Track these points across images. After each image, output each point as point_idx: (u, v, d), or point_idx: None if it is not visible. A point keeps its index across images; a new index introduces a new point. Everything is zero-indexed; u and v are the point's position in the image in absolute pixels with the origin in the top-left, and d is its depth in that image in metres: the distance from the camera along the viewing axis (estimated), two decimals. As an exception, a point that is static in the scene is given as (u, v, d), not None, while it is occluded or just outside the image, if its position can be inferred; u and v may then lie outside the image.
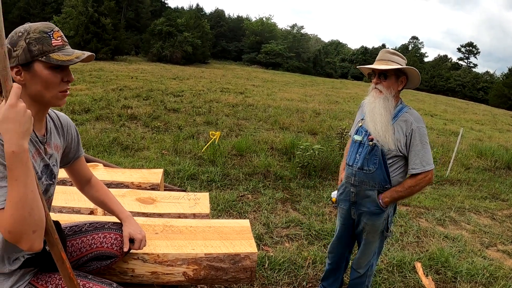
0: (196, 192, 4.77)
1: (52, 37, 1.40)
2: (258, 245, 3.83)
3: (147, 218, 2.26)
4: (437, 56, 72.81)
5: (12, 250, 1.47)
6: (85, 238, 1.78)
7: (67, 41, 1.48)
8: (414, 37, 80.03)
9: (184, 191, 3.32)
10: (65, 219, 2.14)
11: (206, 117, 10.72)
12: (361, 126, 2.55)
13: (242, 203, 4.86)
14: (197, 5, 67.00)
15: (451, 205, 5.79)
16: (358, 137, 2.53)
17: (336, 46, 77.39)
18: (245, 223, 2.27)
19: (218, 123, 10.17)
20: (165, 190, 3.23)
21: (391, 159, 2.37)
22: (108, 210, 1.91)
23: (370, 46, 70.31)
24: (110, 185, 2.87)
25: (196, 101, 13.59)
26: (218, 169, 6.00)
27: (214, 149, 6.78)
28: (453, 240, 4.53)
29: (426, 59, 69.79)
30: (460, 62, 72.27)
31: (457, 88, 61.31)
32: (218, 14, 64.06)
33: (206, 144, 7.12)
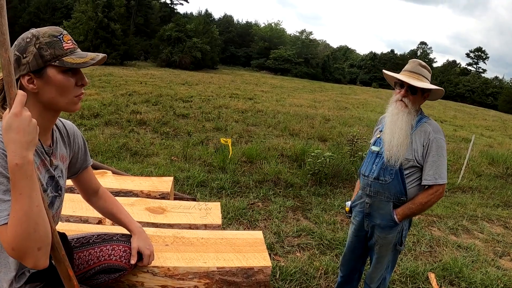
0: (206, 201, 4.73)
1: (62, 40, 1.35)
2: (269, 255, 3.75)
3: (157, 228, 2.19)
4: (445, 61, 72.60)
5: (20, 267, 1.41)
6: (92, 250, 1.72)
7: (76, 43, 1.42)
8: (422, 43, 79.89)
9: (194, 199, 3.26)
10: (73, 229, 2.08)
11: (215, 123, 10.67)
12: (379, 137, 2.48)
13: (252, 211, 4.78)
14: (206, 10, 67.23)
15: (463, 213, 5.67)
16: (375, 148, 2.46)
17: (345, 52, 77.18)
18: (258, 234, 2.20)
19: (228, 129, 10.11)
20: (175, 198, 3.17)
21: (408, 169, 2.29)
22: (117, 221, 1.85)
23: (378, 51, 70.18)
24: (119, 193, 2.81)
25: (205, 106, 13.56)
26: (228, 176, 5.93)
27: (224, 155, 6.72)
28: (466, 249, 4.43)
29: (434, 65, 69.44)
30: (469, 67, 71.69)
31: (466, 93, 60.78)
32: (227, 20, 64.30)
33: (220, 152, 7.07)
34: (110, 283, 1.73)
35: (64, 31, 1.40)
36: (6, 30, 1.08)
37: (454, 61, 72.36)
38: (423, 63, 2.34)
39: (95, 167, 3.36)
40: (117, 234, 1.81)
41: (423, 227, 4.90)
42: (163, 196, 2.81)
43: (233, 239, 2.11)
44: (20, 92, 1.11)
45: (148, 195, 2.80)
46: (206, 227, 2.32)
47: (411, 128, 2.29)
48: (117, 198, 2.65)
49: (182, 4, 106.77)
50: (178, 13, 58.52)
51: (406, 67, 2.36)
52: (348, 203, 2.72)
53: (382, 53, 69.28)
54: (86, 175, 1.80)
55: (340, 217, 4.84)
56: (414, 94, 2.28)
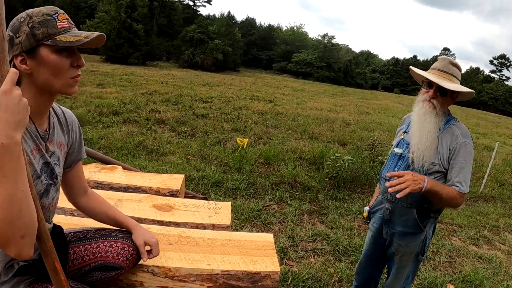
0: (219, 201, 4.61)
1: (57, 19, 1.28)
2: (281, 259, 3.62)
3: (162, 226, 2.09)
4: (469, 68, 70.84)
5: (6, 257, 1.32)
6: (89, 245, 1.62)
7: (73, 23, 1.35)
8: (445, 49, 78.32)
9: (207, 199, 3.15)
10: (75, 223, 2.00)
11: (234, 124, 10.57)
12: (402, 138, 2.31)
13: (267, 213, 4.65)
14: (229, 13, 67.67)
15: (485, 223, 5.42)
16: (398, 150, 2.29)
17: (367, 57, 76.43)
18: (269, 237, 2.07)
19: (246, 130, 9.99)
20: (186, 197, 3.06)
21: (432, 174, 2.10)
22: (111, 220, 1.74)
23: (401, 57, 69.14)
24: (127, 189, 2.72)
25: (225, 107, 13.48)
26: (244, 177, 5.81)
27: (241, 156, 6.61)
28: (487, 261, 4.22)
29: (458, 72, 67.62)
30: (493, 74, 70.06)
31: (489, 101, 59.29)
32: (249, 23, 64.31)
33: (236, 152, 6.97)
34: (106, 281, 1.63)
35: (61, 10, 1.33)
36: (1, 5, 1.02)
37: (478, 68, 70.91)
38: (454, 61, 2.16)
39: (106, 162, 3.29)
40: (116, 230, 1.71)
41: (443, 236, 4.69)
42: (172, 194, 2.70)
43: (241, 241, 1.98)
44: (12, 69, 1.04)
45: (157, 192, 2.70)
46: (214, 227, 2.20)
47: (439, 131, 2.12)
48: (124, 194, 2.58)
49: (205, 6, 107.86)
50: (201, 14, 59.00)
51: (436, 64, 2.19)
52: (366, 209, 2.55)
53: (404, 58, 68.28)
54: (77, 171, 1.70)
55: (357, 223, 4.67)
56: (443, 95, 2.11)
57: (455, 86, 2.07)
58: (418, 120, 2.15)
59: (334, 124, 12.62)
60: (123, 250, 1.60)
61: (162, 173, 3.26)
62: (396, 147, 2.33)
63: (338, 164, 5.88)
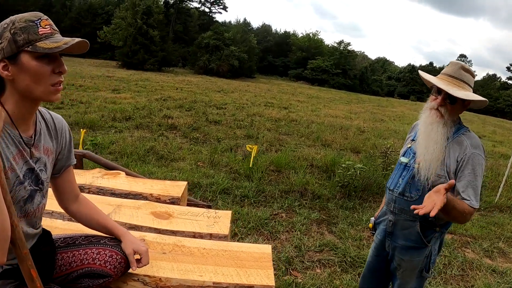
0: (226, 208, 4.56)
1: (39, 25, 1.27)
2: (286, 270, 3.54)
3: (158, 235, 2.04)
4: (485, 75, 69.69)
5: None
6: (77, 252, 1.59)
7: (57, 29, 1.34)
8: (462, 55, 77.12)
9: (210, 207, 3.09)
10: (72, 228, 1.97)
11: (247, 130, 10.53)
12: (410, 147, 2.20)
13: (275, 222, 4.59)
14: (245, 19, 67.84)
15: (500, 234, 5.24)
16: (404, 159, 2.18)
17: (383, 64, 75.82)
18: (266, 249, 2.00)
19: (259, 137, 9.93)
20: (189, 204, 3.01)
21: None
22: (101, 227, 1.70)
23: (417, 64, 68.26)
24: (128, 195, 2.69)
25: (238, 114, 13.45)
26: (253, 184, 5.75)
27: (252, 163, 6.54)
28: (501, 274, 4.06)
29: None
30: (510, 81, 68.45)
31: (506, 108, 57.90)
32: (265, 29, 64.55)
33: (246, 159, 6.92)
34: None
35: (45, 16, 1.32)
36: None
37: (494, 75, 69.64)
38: (466, 66, 2.02)
39: (110, 168, 3.26)
40: (106, 237, 1.66)
41: (456, 248, 4.55)
42: (173, 201, 2.65)
43: (238, 252, 1.92)
44: None
45: (158, 199, 2.65)
46: (211, 236, 2.14)
47: (447, 140, 2.00)
48: (124, 200, 2.54)
49: (220, 12, 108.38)
50: (217, 21, 59.23)
51: (446, 69, 2.06)
52: (373, 219, 2.46)
53: (420, 65, 67.50)
54: (68, 177, 1.67)
55: (367, 233, 4.56)
56: (453, 103, 1.98)
57: (466, 94, 1.94)
58: (425, 130, 2.04)
59: (348, 132, 12.48)
60: (111, 258, 1.56)
61: (166, 180, 3.22)
62: (403, 156, 2.22)
63: (349, 172, 5.77)
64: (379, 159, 7.21)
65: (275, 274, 3.40)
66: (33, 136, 1.42)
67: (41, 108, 1.52)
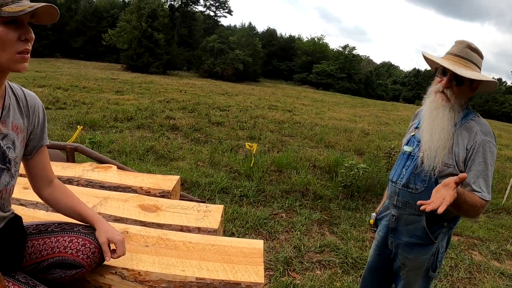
0: (226, 207, 4.42)
1: None
2: (284, 270, 3.39)
3: (143, 227, 1.90)
4: (491, 79, 69.12)
5: None
6: (48, 239, 1.45)
7: None
8: (469, 60, 76.43)
9: (204, 202, 2.95)
10: (55, 219, 1.83)
11: (249, 132, 10.39)
12: (413, 135, 2.04)
13: (274, 221, 4.44)
14: (250, 23, 67.81)
15: (508, 236, 5.06)
16: (408, 148, 2.01)
17: (388, 68, 75.48)
18: (258, 244, 1.85)
19: (261, 138, 9.78)
20: (181, 199, 2.87)
21: (445, 177, 1.74)
22: (76, 214, 1.57)
23: (422, 68, 67.53)
24: (117, 188, 2.55)
25: (241, 116, 13.31)
26: (253, 184, 5.61)
27: (253, 162, 6.40)
28: (510, 277, 3.90)
29: (481, 83, 65.90)
30: (515, 85, 68.00)
31: (512, 113, 57.53)
32: (270, 33, 64.31)
33: (247, 158, 6.78)
34: (67, 280, 1.45)
35: None
36: None
37: (500, 79, 68.86)
38: (474, 45, 1.86)
39: (101, 161, 3.13)
40: (80, 225, 1.53)
41: (463, 250, 4.38)
42: (163, 195, 2.51)
43: (226, 246, 1.77)
44: None
45: (148, 193, 2.52)
46: (199, 230, 2.00)
47: (454, 126, 1.83)
48: (112, 193, 2.41)
49: (225, 16, 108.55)
50: (222, 25, 59.32)
51: (452, 49, 1.90)
52: (374, 215, 2.29)
53: (426, 69, 66.83)
54: (41, 158, 1.54)
55: (370, 234, 4.39)
56: (459, 85, 1.81)
57: (473, 74, 1.78)
58: (429, 115, 1.87)
59: (352, 134, 12.31)
60: (83, 247, 1.42)
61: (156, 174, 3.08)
62: (406, 145, 2.05)
63: (352, 172, 5.62)
64: (383, 160, 7.05)
65: (272, 275, 3.26)
66: (0, 111, 1.32)
67: (13, 84, 1.42)
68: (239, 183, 5.57)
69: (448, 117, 1.82)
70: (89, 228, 1.50)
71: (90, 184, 2.62)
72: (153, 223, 2.01)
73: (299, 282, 3.19)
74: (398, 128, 16.48)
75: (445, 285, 3.54)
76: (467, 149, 1.80)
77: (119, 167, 3.02)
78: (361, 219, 4.84)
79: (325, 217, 4.80)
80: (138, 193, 2.49)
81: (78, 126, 5.51)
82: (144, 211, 2.14)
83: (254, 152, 6.41)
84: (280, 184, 5.84)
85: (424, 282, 2.03)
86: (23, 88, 1.47)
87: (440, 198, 1.53)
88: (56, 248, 1.42)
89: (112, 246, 1.47)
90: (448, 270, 3.82)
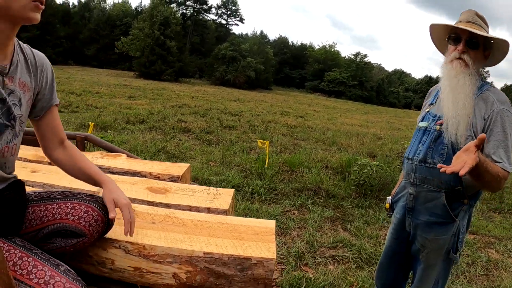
0: (238, 204, 4.35)
1: None
2: (296, 264, 3.30)
3: (150, 206, 1.84)
4: (503, 85, 68.22)
5: None
6: (50, 205, 1.39)
7: None
8: (481, 67, 75.70)
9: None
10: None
11: (261, 135, 10.33)
12: (428, 111, 1.97)
13: (286, 218, 4.36)
14: (261, 31, 68.30)
15: (526, 235, 4.91)
16: (423, 124, 1.94)
17: (400, 76, 74.86)
18: (270, 223, 1.77)
19: (273, 141, 9.70)
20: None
21: None
22: (84, 175, 1.51)
23: (434, 75, 66.99)
24: (126, 173, 2.50)
25: (253, 120, 13.28)
26: (265, 182, 5.54)
27: (267, 161, 6.34)
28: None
29: (494, 90, 65.16)
30: (529, 92, 67.25)
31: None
32: (282, 41, 64.48)
33: (260, 158, 6.72)
34: (68, 250, 1.38)
35: None
36: None
37: (512, 86, 68.11)
38: (480, 14, 1.82)
39: (111, 150, 3.09)
40: (83, 193, 1.46)
41: (479, 248, 4.24)
42: (173, 180, 2.45)
43: (237, 225, 1.70)
44: None
45: (157, 177, 2.46)
46: (209, 211, 1.93)
47: (475, 96, 1.76)
48: (120, 177, 2.35)
49: (237, 24, 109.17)
50: (234, 33, 59.68)
51: (461, 18, 1.84)
52: (389, 199, 2.20)
53: (437, 77, 66.17)
54: (51, 119, 1.50)
55: (384, 231, 4.28)
56: (475, 48, 1.77)
57: (483, 33, 1.74)
58: (449, 84, 1.79)
59: (364, 138, 12.19)
60: (86, 214, 1.35)
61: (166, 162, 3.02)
62: (421, 121, 1.98)
63: (365, 171, 5.51)
64: (396, 161, 6.93)
65: (284, 269, 3.17)
66: (8, 66, 1.27)
67: (21, 43, 1.38)
68: (250, 181, 5.50)
69: (470, 83, 1.75)
70: (93, 196, 1.44)
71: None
72: (161, 203, 1.95)
73: (312, 276, 3.09)
74: (410, 134, 16.20)
75: (463, 281, 3.41)
76: (484, 119, 1.73)
77: (128, 155, 2.98)
78: (374, 216, 4.73)
79: (338, 215, 4.70)
80: (147, 178, 2.44)
81: (90, 123, 5.51)
82: (152, 192, 2.08)
83: (266, 149, 6.34)
84: (292, 182, 5.76)
85: (444, 265, 1.92)
86: (31, 48, 1.42)
87: (461, 163, 1.45)
88: (57, 214, 1.36)
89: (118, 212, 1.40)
90: (465, 267, 3.70)
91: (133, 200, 1.96)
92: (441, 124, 1.81)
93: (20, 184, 1.42)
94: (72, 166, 1.53)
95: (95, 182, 1.49)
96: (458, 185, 1.78)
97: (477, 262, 3.84)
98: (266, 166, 6.19)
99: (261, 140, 6.57)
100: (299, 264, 3.31)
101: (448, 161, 1.71)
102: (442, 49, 1.99)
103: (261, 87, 45.21)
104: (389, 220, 4.21)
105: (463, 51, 1.77)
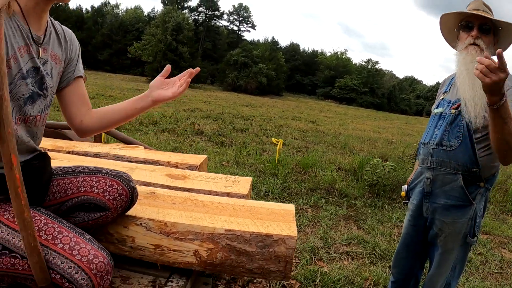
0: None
1: None
2: (311, 259, 3.30)
3: (170, 190, 1.87)
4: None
5: None
6: (74, 179, 1.42)
7: None
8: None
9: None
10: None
11: (274, 137, 10.34)
12: (442, 99, 2.01)
13: (300, 216, 4.35)
14: (273, 38, 68.33)
15: (538, 237, 4.85)
16: (438, 110, 1.98)
17: (411, 83, 74.46)
18: (289, 207, 1.79)
19: (286, 143, 9.72)
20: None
21: (479, 132, 1.78)
22: (122, 112, 1.58)
23: (446, 82, 66.48)
24: (144, 162, 2.54)
25: (265, 125, 13.30)
26: (278, 181, 5.56)
27: (277, 158, 6.35)
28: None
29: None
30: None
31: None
32: (293, 48, 64.67)
33: (273, 157, 6.74)
34: (90, 225, 1.41)
35: None
36: None
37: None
38: (486, 3, 1.88)
39: (127, 142, 3.14)
40: (108, 168, 1.49)
41: (492, 248, 4.20)
42: (191, 169, 2.49)
43: (257, 207, 1.72)
44: None
45: (175, 166, 2.50)
46: (228, 195, 1.96)
47: None
48: (139, 165, 2.40)
49: (249, 31, 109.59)
50: (245, 39, 59.94)
51: (470, 7, 1.90)
52: (405, 187, 2.21)
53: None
54: (78, 88, 1.54)
55: (397, 230, 4.26)
56: (487, 33, 1.82)
57: (499, 19, 1.80)
58: (466, 68, 1.81)
59: (376, 142, 12.15)
60: (111, 188, 1.38)
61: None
62: (436, 108, 2.02)
63: (377, 171, 5.50)
64: (409, 163, 6.90)
65: (297, 263, 3.18)
66: (42, 37, 1.34)
67: (52, 19, 1.43)
68: (264, 180, 5.52)
69: None
70: (118, 171, 1.46)
71: (117, 159, 2.62)
72: (180, 187, 1.98)
73: (326, 270, 3.09)
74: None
75: (477, 278, 3.38)
76: None
77: (145, 147, 3.02)
78: (387, 216, 4.71)
79: (351, 213, 4.69)
80: (165, 166, 2.48)
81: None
82: (171, 178, 2.11)
83: (279, 145, 6.36)
84: (305, 182, 5.76)
85: (462, 250, 1.93)
86: (61, 24, 1.50)
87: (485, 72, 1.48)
88: (82, 187, 1.39)
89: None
90: (479, 265, 3.67)
91: (153, 185, 2.00)
92: (456, 108, 1.85)
93: (47, 156, 1.45)
94: (104, 115, 1.55)
95: (134, 103, 1.60)
96: (475, 167, 1.80)
97: (491, 260, 3.81)
98: (276, 162, 6.21)
99: (275, 139, 6.58)
100: (314, 259, 3.31)
101: (464, 143, 1.78)
102: (450, 40, 2.04)
103: (272, 93, 45.30)
104: (403, 219, 4.20)
105: (477, 36, 1.82)
